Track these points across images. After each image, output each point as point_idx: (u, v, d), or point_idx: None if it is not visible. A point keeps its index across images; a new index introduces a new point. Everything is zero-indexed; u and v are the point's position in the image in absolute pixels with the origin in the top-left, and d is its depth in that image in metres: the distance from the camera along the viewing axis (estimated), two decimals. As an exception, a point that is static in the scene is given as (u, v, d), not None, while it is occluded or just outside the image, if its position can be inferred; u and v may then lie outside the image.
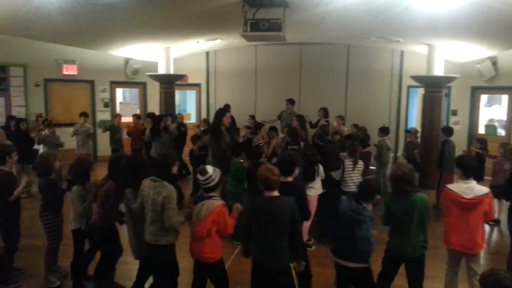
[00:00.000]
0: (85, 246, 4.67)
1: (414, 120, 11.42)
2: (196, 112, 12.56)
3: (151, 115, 9.37)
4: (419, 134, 8.82)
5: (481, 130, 10.83)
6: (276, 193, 3.45)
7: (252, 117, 9.80)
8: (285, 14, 6.36)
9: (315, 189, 5.48)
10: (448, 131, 7.76)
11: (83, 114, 8.86)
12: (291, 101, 9.72)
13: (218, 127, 6.77)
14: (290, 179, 4.06)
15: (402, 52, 11.02)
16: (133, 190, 3.92)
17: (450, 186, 4.12)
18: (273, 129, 7.80)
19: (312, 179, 5.42)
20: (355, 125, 8.65)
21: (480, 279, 2.53)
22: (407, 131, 9.59)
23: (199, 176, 3.66)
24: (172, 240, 3.78)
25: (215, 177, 3.65)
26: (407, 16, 6.16)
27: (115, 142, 9.34)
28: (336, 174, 5.84)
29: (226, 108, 8.57)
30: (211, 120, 11.16)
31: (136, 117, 9.77)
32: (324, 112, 9.35)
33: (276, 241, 3.39)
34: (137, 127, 9.44)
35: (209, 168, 3.69)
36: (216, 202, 3.61)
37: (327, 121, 9.09)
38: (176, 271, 3.96)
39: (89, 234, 4.53)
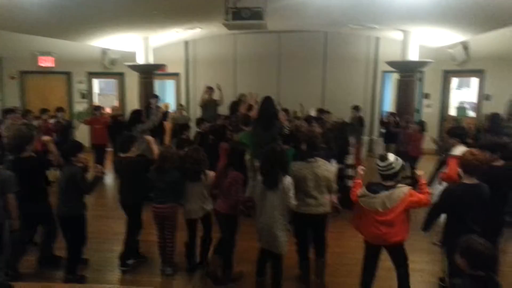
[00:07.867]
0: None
1: (389, 105, 11.77)
2: (176, 102, 12.54)
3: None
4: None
5: (453, 112, 11.32)
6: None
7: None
8: (266, 2, 6.42)
9: None
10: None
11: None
12: (210, 89, 9.77)
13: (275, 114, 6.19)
14: None
15: (377, 38, 11.30)
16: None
17: None
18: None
19: None
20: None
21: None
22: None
23: (378, 162, 3.58)
24: None
25: (395, 166, 3.57)
26: (384, 3, 6.37)
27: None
28: None
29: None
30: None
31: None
32: None
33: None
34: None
35: (391, 156, 3.61)
36: (404, 189, 3.52)
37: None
38: None
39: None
